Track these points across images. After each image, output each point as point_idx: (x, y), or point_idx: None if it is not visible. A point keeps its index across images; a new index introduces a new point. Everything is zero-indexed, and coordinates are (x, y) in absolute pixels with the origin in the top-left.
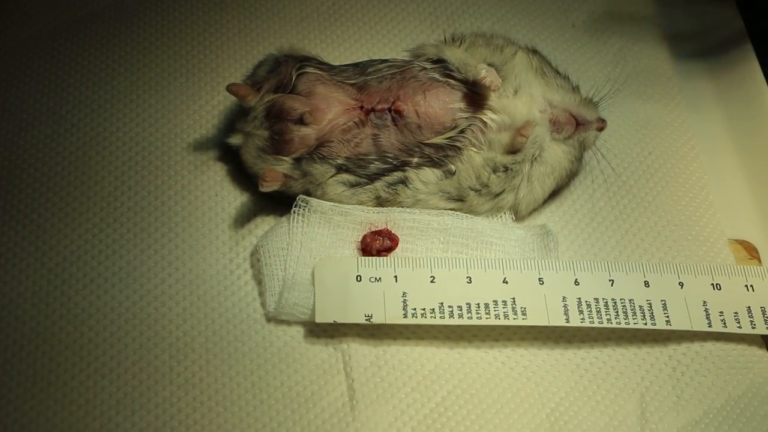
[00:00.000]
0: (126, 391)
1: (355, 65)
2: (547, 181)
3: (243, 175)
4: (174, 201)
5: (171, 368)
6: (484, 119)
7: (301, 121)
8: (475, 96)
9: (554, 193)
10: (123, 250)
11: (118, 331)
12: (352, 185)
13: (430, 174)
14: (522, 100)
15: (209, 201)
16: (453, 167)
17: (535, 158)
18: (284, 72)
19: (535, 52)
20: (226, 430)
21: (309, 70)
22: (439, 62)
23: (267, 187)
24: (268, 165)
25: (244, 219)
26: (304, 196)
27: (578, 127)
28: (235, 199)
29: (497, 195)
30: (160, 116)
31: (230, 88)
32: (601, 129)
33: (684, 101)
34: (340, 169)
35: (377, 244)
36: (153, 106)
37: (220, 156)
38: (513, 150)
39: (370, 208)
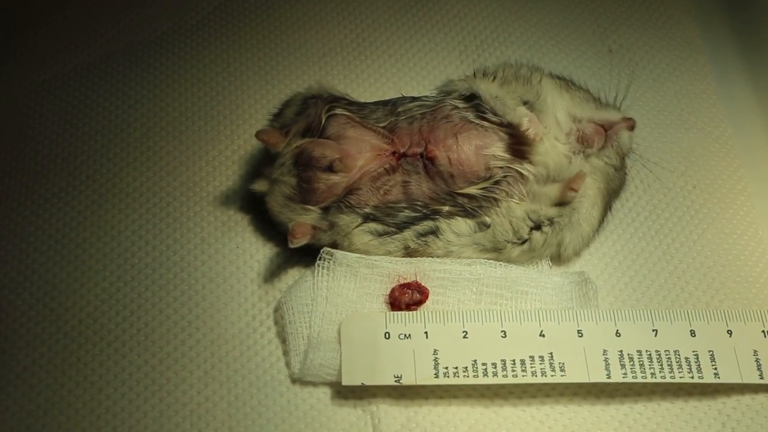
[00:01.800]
0: None
1: (384, 104)
2: (592, 213)
3: (265, 225)
4: (193, 255)
5: None
6: (520, 170)
7: (330, 169)
8: (512, 140)
9: (603, 218)
10: (141, 311)
11: (137, 398)
12: (380, 234)
13: (462, 224)
14: (550, 139)
15: (230, 254)
16: (488, 219)
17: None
18: (313, 114)
19: (558, 77)
20: None
21: (339, 111)
22: (472, 98)
23: (297, 242)
24: (294, 214)
25: (267, 272)
26: (329, 248)
27: (608, 133)
28: (257, 251)
29: (538, 248)
30: (178, 164)
31: (260, 136)
32: (631, 127)
33: (730, 128)
34: (367, 218)
35: (406, 297)
36: (170, 153)
37: (241, 206)
38: (562, 203)
39: (398, 258)
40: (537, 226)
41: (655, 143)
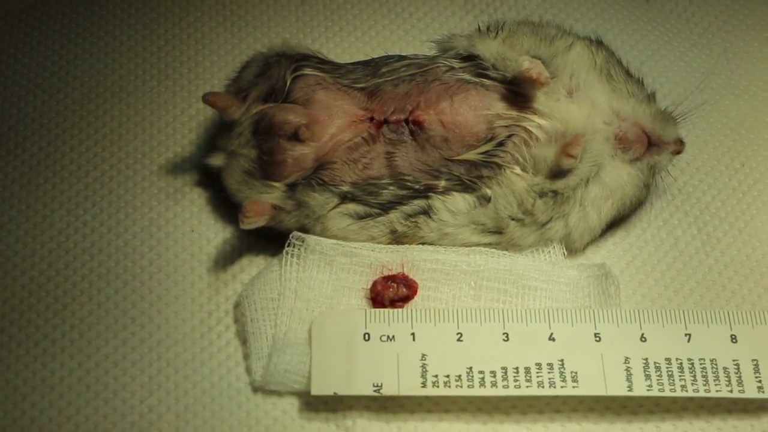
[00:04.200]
0: None
1: (366, 64)
2: (603, 206)
3: (225, 206)
4: (140, 240)
5: None
6: (529, 127)
7: (296, 138)
8: (518, 98)
9: (614, 223)
10: (75, 305)
11: (68, 407)
12: (361, 217)
13: (459, 201)
14: (579, 105)
15: (183, 238)
16: (488, 191)
17: (591, 178)
18: (276, 75)
19: (600, 44)
20: None
21: (307, 71)
22: (471, 59)
23: (249, 223)
24: (254, 192)
25: (226, 261)
26: (299, 233)
27: (650, 148)
28: (215, 235)
29: (544, 224)
30: (125, 131)
31: (207, 99)
32: (677, 153)
33: None
34: (345, 197)
35: (390, 292)
36: (116, 118)
37: (197, 181)
38: (558, 170)
39: (383, 246)
40: (540, 197)
41: (696, 112)
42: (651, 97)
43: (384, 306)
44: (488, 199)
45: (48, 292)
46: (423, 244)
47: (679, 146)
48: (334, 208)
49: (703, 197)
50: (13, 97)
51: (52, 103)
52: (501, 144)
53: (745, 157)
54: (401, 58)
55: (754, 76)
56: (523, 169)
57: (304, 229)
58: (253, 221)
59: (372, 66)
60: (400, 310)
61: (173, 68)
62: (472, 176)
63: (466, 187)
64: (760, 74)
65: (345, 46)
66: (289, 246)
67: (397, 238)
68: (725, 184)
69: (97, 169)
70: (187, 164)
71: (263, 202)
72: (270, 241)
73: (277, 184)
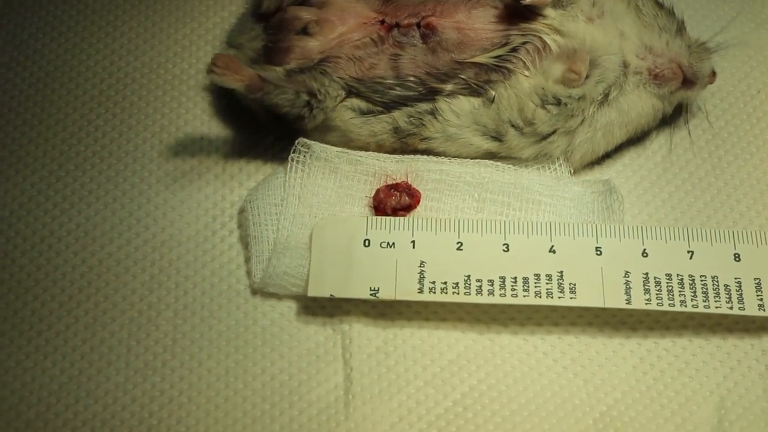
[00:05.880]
0: (71, 374)
1: None
2: (616, 132)
3: (235, 114)
4: (149, 144)
5: (129, 348)
6: (545, 38)
7: (304, 32)
8: (537, 17)
9: (618, 147)
10: (82, 204)
11: (69, 301)
12: (364, 113)
13: (465, 103)
14: (604, 31)
15: (192, 145)
16: (493, 93)
17: (605, 101)
18: None
19: None
20: (188, 426)
21: None
22: None
23: (217, 75)
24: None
25: (233, 168)
26: (304, 139)
27: (685, 84)
28: (224, 143)
29: (545, 137)
30: (142, 41)
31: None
32: (710, 83)
33: None
34: (350, 92)
35: (393, 200)
36: (134, 29)
37: (210, 90)
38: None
39: (388, 155)
40: (543, 105)
41: (714, 38)
42: (682, 28)
43: (386, 214)
44: (492, 100)
45: (56, 190)
46: (427, 148)
47: (712, 78)
48: (342, 101)
49: (716, 122)
50: (34, 5)
51: (72, 12)
52: (514, 50)
53: (762, 84)
54: None
55: None
56: (532, 74)
57: (301, 121)
58: (223, 76)
59: None
60: (402, 218)
61: None
62: (480, 80)
63: (472, 91)
64: None
65: None
66: (294, 152)
67: (400, 137)
68: (740, 110)
69: (112, 76)
70: (201, 74)
71: (238, 62)
72: (279, 151)
73: (277, 68)
